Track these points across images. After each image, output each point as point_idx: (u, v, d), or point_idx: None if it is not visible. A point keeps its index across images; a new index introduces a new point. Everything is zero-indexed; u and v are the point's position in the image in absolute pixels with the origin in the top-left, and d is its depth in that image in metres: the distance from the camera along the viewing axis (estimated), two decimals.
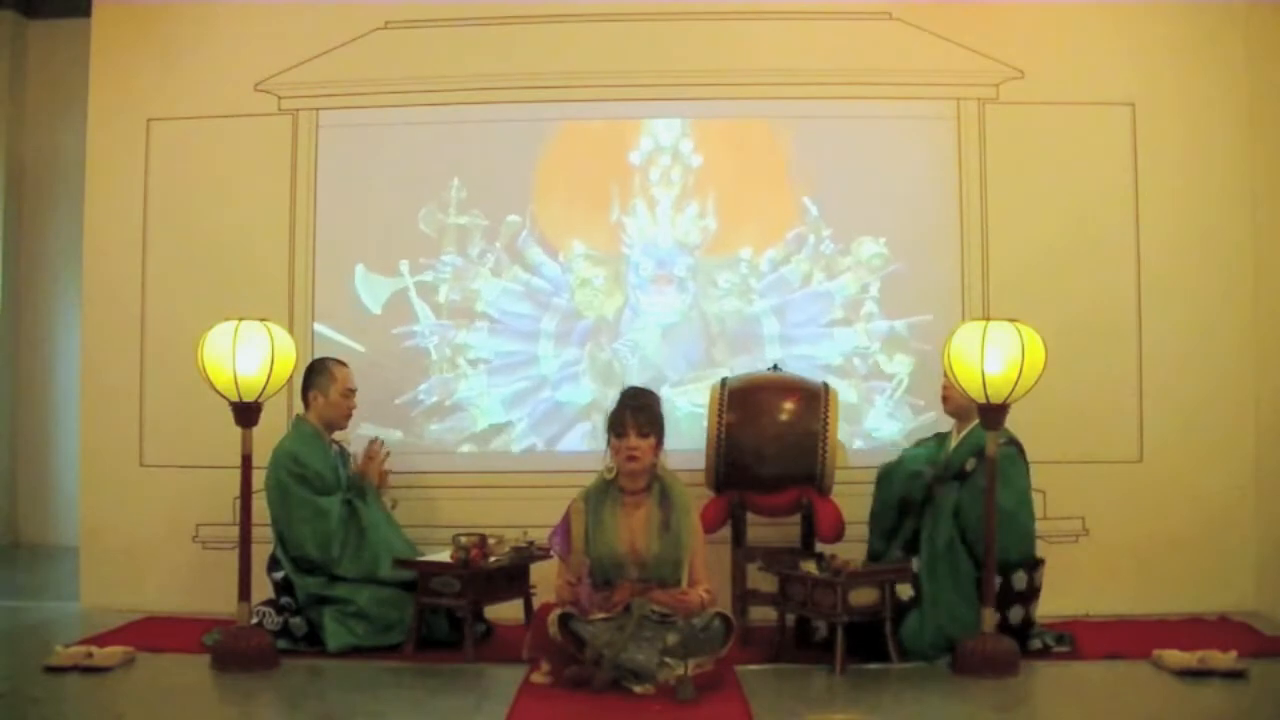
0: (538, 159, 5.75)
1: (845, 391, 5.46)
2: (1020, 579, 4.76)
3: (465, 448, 5.66)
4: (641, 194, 5.71)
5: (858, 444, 5.56)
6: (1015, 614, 4.74)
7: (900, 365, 5.62)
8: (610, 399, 5.03)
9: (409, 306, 5.72)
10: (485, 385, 5.65)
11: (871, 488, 5.05)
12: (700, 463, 5.11)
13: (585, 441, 5.59)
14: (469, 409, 5.68)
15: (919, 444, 5.13)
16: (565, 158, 5.74)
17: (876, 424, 5.61)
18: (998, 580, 4.60)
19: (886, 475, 5.01)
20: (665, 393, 5.52)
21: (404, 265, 5.72)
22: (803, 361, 5.58)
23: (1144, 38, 5.72)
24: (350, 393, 5.19)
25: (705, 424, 5.11)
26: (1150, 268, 5.65)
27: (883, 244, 5.66)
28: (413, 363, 5.71)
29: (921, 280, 5.65)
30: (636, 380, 5.50)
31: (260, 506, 4.95)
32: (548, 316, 5.66)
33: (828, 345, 5.65)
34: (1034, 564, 4.82)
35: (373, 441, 5.27)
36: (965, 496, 4.74)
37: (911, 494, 4.86)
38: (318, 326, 5.70)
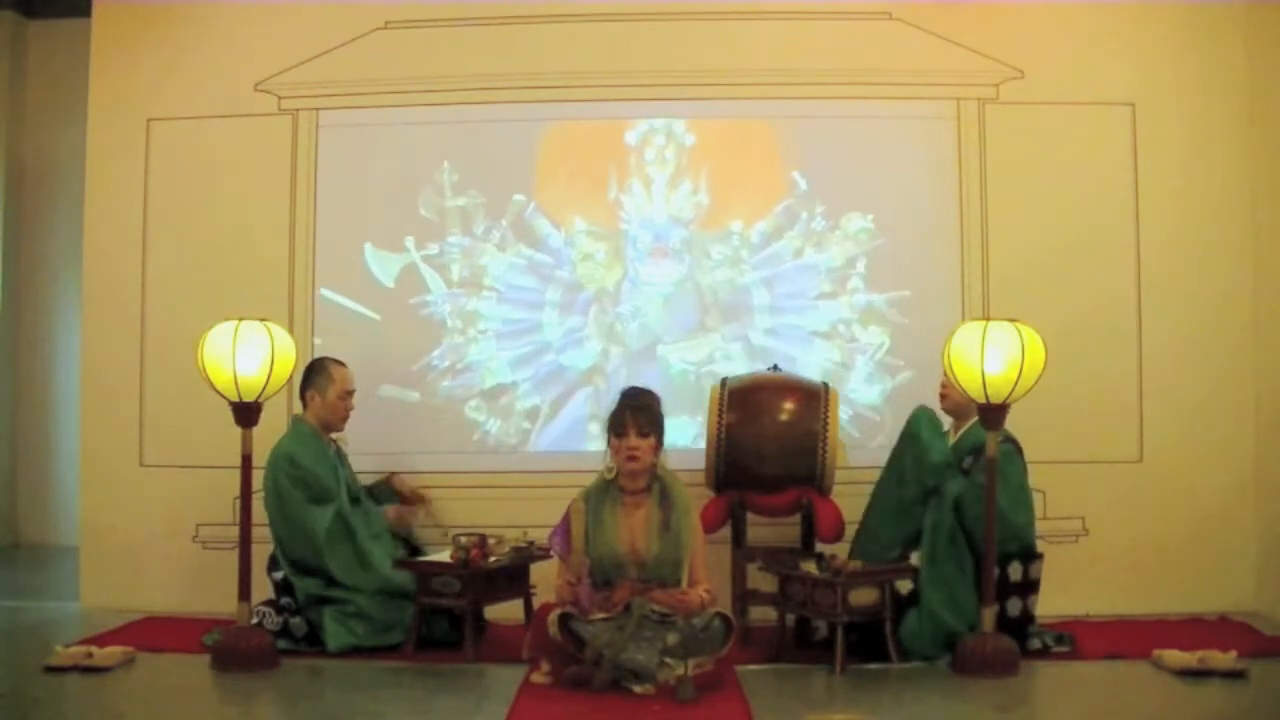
0: (538, 148, 5.77)
1: (829, 353, 5.65)
2: (1016, 570, 4.76)
3: (473, 403, 5.71)
4: (637, 173, 5.76)
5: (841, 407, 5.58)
6: (1013, 606, 4.74)
7: (874, 335, 5.67)
8: (612, 360, 5.50)
9: (420, 279, 5.75)
10: (494, 349, 5.74)
11: (871, 487, 5.04)
12: (700, 461, 5.12)
13: (587, 404, 5.67)
14: (478, 370, 5.75)
15: (919, 411, 4.97)
16: (565, 147, 5.78)
17: (855, 387, 5.66)
18: (995, 571, 4.60)
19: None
20: (659, 351, 5.68)
21: (409, 241, 5.74)
22: (791, 331, 5.68)
23: (1144, 38, 5.72)
24: (348, 394, 5.18)
25: (694, 379, 5.50)
26: (1150, 268, 5.65)
27: (871, 220, 5.69)
28: (427, 330, 5.75)
29: (911, 264, 5.68)
30: (636, 341, 5.66)
31: (260, 506, 4.95)
32: (551, 288, 5.75)
33: (813, 315, 5.71)
34: (1030, 556, 4.82)
35: (423, 501, 5.40)
36: (966, 491, 4.74)
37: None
38: (332, 294, 5.72)
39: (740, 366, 5.61)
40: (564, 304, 5.74)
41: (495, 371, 5.73)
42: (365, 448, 5.42)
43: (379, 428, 5.56)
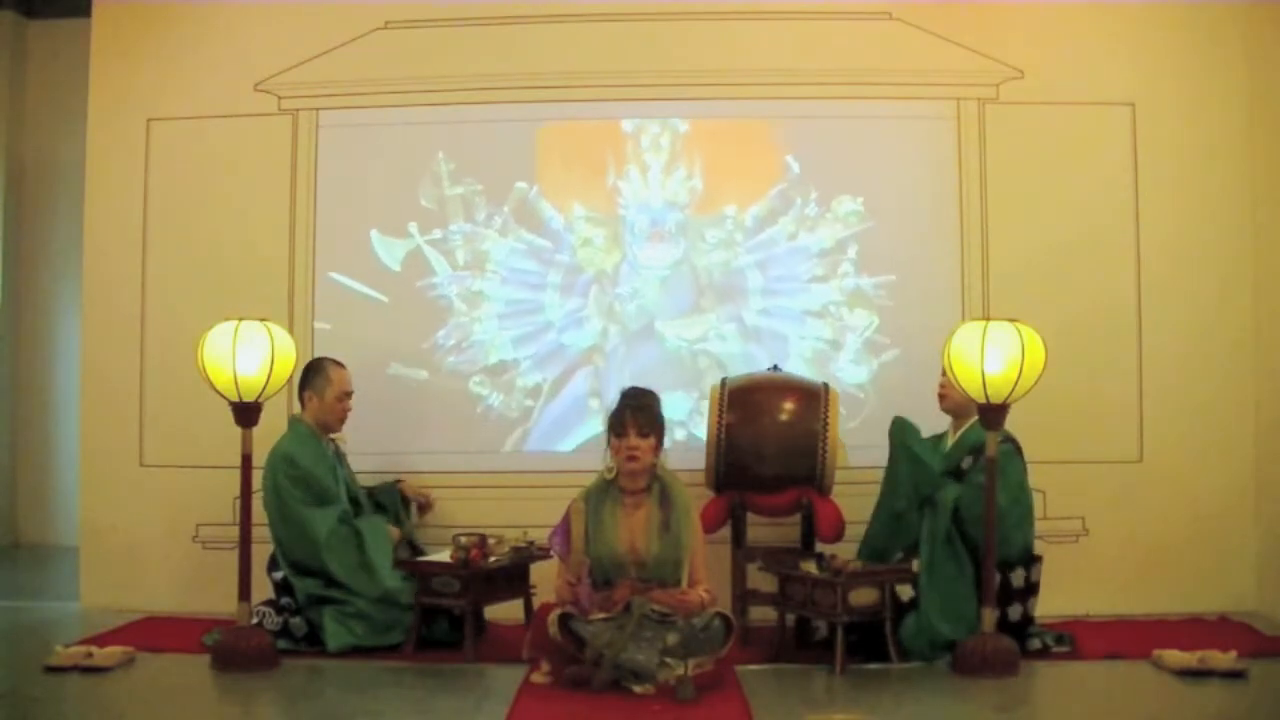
0: (537, 144, 5.80)
1: (821, 330, 5.71)
2: (1019, 576, 4.77)
3: (477, 378, 5.76)
4: (634, 159, 5.81)
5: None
6: (1014, 612, 4.75)
7: (862, 317, 5.72)
8: (611, 339, 5.74)
9: (425, 262, 5.79)
10: (497, 328, 5.81)
11: (870, 487, 5.03)
12: (700, 461, 5.13)
13: (587, 381, 5.73)
14: (482, 347, 5.80)
15: (902, 423, 4.97)
16: (563, 139, 5.82)
17: (842, 369, 5.71)
18: (997, 578, 4.60)
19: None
20: (656, 327, 5.74)
21: (413, 226, 5.77)
22: (783, 311, 5.74)
23: (1144, 38, 5.72)
24: (346, 396, 5.18)
25: (689, 357, 5.69)
26: (1150, 268, 5.65)
27: (862, 203, 5.71)
28: (434, 310, 5.78)
29: (902, 251, 5.70)
30: (634, 321, 5.74)
31: (260, 506, 4.95)
32: (553, 271, 5.81)
33: (805, 298, 5.76)
34: (1031, 560, 4.83)
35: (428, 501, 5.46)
36: (964, 494, 4.74)
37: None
38: (340, 277, 5.75)
39: (734, 346, 5.72)
40: (565, 286, 5.80)
41: (499, 349, 5.79)
42: (375, 427, 5.49)
43: (388, 407, 5.63)
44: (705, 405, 5.48)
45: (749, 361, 5.65)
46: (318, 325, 5.73)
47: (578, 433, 5.72)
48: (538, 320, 5.80)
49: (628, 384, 5.34)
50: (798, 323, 5.74)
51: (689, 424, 5.66)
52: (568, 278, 5.79)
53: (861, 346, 5.71)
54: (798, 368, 5.60)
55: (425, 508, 5.46)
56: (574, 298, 5.78)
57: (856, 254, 5.71)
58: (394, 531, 5.17)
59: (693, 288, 5.79)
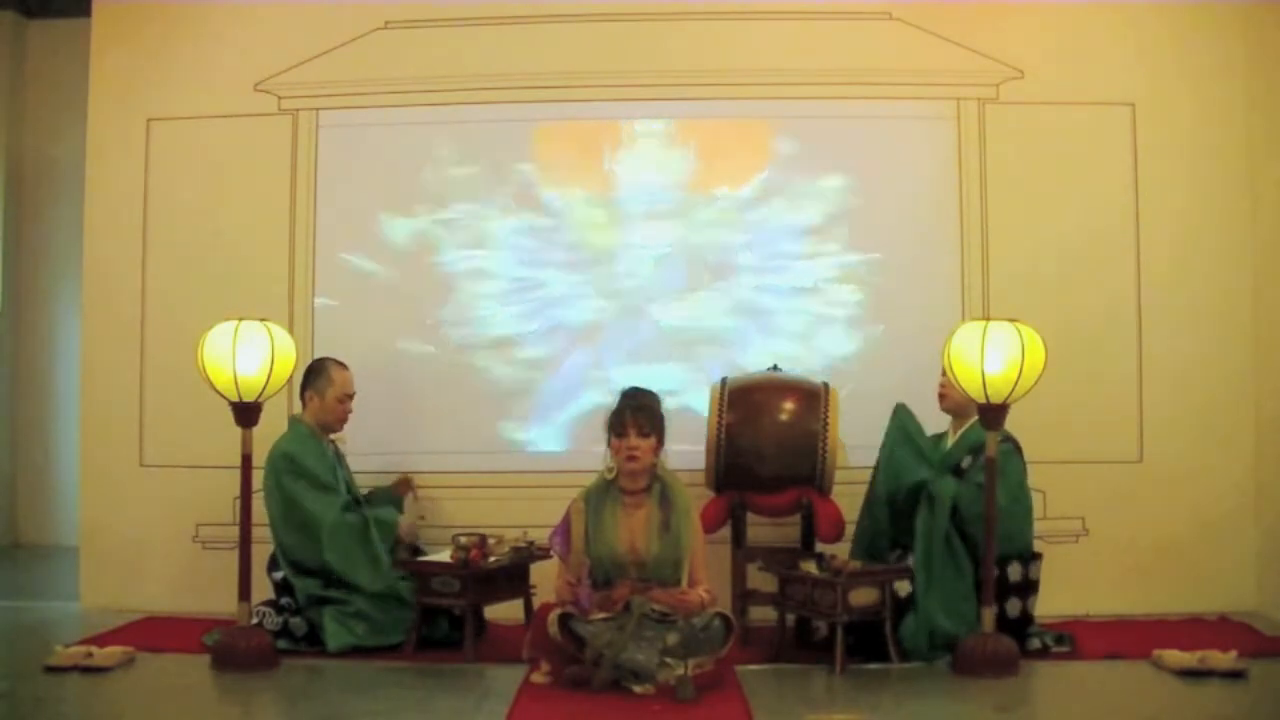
0: (536, 136, 5.84)
1: (808, 305, 5.76)
2: (1015, 570, 4.77)
3: (481, 353, 5.81)
4: (629, 143, 5.85)
5: (811, 359, 5.69)
6: (1013, 607, 4.75)
7: (849, 293, 5.75)
8: (609, 315, 5.77)
9: (431, 241, 5.82)
10: (499, 305, 5.86)
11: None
12: (699, 460, 5.12)
13: (587, 356, 5.77)
14: (487, 322, 5.85)
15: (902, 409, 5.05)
16: (562, 131, 5.86)
17: (829, 342, 5.75)
18: (995, 573, 4.60)
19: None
20: (654, 309, 5.78)
21: (420, 208, 5.81)
22: (774, 289, 5.78)
23: (1144, 38, 5.72)
24: (347, 398, 5.17)
25: (683, 333, 5.77)
26: (1150, 267, 5.65)
27: (848, 181, 5.75)
28: (440, 287, 5.81)
29: (894, 238, 5.73)
30: (631, 298, 5.81)
31: (260, 506, 4.95)
32: (553, 250, 5.86)
33: (793, 275, 5.79)
34: (1030, 557, 4.83)
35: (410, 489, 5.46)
36: (964, 493, 4.74)
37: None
38: (349, 257, 5.78)
39: (727, 322, 5.76)
40: (564, 263, 5.83)
41: (502, 323, 5.83)
42: (386, 403, 5.55)
43: (397, 382, 5.67)
44: (698, 376, 5.62)
45: (740, 335, 5.74)
46: (323, 302, 5.74)
47: (577, 404, 5.74)
48: (539, 296, 5.85)
49: (625, 357, 5.51)
50: (788, 298, 5.78)
51: (682, 393, 5.66)
52: (567, 256, 5.84)
53: (849, 323, 5.73)
54: (788, 343, 5.67)
55: (405, 488, 5.44)
56: (573, 275, 5.83)
57: (845, 234, 5.74)
58: (402, 522, 5.14)
59: (687, 265, 5.84)
